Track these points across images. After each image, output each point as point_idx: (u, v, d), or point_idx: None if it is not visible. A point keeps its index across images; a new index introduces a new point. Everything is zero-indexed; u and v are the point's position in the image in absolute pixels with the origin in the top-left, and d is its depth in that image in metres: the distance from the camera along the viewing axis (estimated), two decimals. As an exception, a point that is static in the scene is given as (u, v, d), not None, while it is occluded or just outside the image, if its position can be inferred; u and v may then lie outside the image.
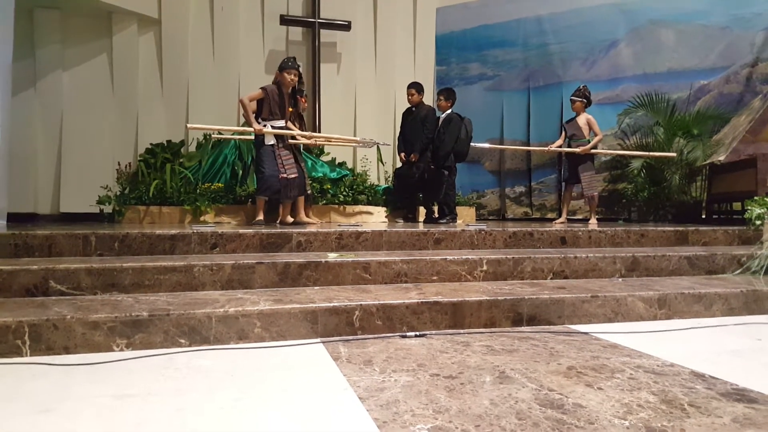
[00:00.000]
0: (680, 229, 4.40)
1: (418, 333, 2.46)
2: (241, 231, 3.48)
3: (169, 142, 6.80)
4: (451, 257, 3.24)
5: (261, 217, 4.97)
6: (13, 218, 6.42)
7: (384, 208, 6.77)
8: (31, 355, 2.10)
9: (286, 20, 7.28)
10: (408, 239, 3.79)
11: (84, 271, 2.66)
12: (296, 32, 7.58)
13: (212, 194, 6.12)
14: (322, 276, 3.01)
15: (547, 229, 4.10)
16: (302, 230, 3.60)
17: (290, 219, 5.10)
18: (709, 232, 4.44)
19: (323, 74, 7.58)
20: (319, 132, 7.08)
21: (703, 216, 6.06)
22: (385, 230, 3.75)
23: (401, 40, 8.09)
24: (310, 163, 6.77)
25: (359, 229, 3.71)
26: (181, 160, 6.54)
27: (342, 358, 2.10)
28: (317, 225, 5.47)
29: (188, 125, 4.71)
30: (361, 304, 2.45)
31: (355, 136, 7.63)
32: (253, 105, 4.87)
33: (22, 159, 6.68)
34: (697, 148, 6.13)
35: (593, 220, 6.16)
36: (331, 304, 2.42)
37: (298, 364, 2.05)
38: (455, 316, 2.58)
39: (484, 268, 3.28)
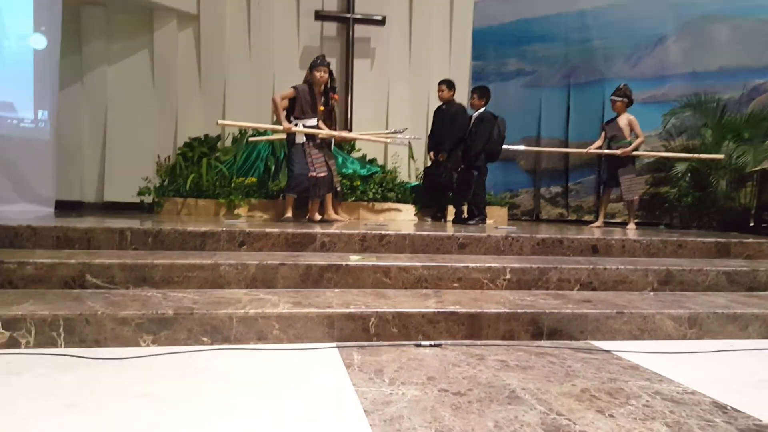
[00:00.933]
0: (722, 240, 4.19)
1: (432, 343, 2.43)
2: (267, 230, 3.52)
3: (206, 136, 6.96)
4: (473, 264, 3.19)
5: (290, 214, 5.02)
6: (61, 206, 6.72)
7: (413, 206, 6.74)
8: (65, 347, 2.21)
9: (320, 16, 7.29)
10: (432, 243, 3.76)
11: (118, 267, 2.76)
12: (331, 28, 7.58)
13: (246, 188, 6.24)
14: (343, 279, 3.02)
15: (578, 236, 3.98)
16: (326, 231, 3.62)
17: (318, 216, 5.14)
18: (754, 245, 4.21)
19: (356, 69, 7.56)
20: (350, 127, 7.07)
21: (751, 224, 5.76)
22: (409, 233, 3.73)
23: (437, 35, 7.97)
24: (341, 159, 6.80)
25: (383, 231, 3.69)
26: (217, 154, 6.68)
27: (354, 365, 2.11)
28: (345, 222, 5.49)
29: (219, 121, 4.79)
30: (377, 311, 2.44)
31: (387, 131, 7.59)
32: (285, 103, 4.91)
33: (70, 150, 6.97)
34: (747, 153, 5.81)
35: (632, 225, 5.95)
36: (348, 310, 2.42)
37: (311, 370, 2.06)
38: (472, 327, 2.54)
39: (508, 276, 3.21)
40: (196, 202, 6.13)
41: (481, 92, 5.71)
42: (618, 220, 7.08)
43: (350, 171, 6.71)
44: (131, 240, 3.26)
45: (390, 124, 7.89)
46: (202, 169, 6.11)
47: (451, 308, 2.56)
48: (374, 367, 2.10)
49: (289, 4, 7.54)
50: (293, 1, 7.55)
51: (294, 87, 4.89)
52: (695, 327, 2.76)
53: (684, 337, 2.75)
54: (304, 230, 3.58)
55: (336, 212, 6.16)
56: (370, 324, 2.42)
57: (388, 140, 6.29)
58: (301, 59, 7.50)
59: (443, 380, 1.97)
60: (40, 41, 5.61)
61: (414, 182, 7.07)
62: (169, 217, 5.62)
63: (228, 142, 7.14)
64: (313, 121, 5.01)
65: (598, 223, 6.15)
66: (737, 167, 5.91)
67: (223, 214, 6.15)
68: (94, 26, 7.06)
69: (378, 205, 6.65)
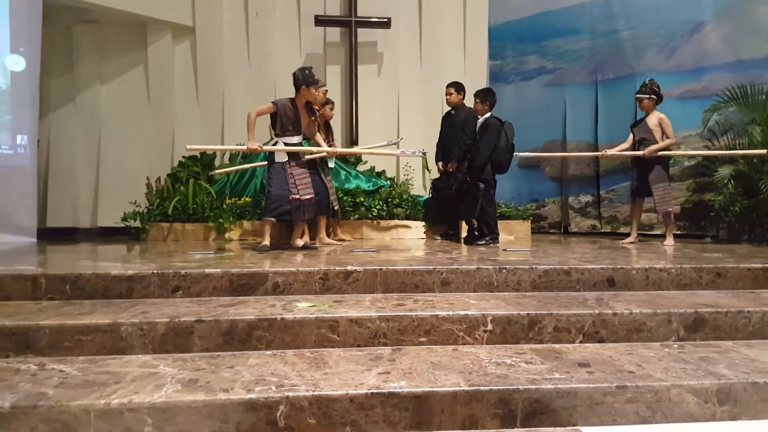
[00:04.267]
0: (773, 265, 3.40)
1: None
2: (208, 271, 3.03)
3: (202, 154, 6.59)
4: (444, 313, 2.59)
5: (266, 241, 4.51)
6: (53, 233, 6.51)
7: (423, 223, 6.15)
8: None
9: (321, 21, 6.80)
10: (409, 279, 3.17)
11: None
12: (334, 33, 7.09)
13: (238, 210, 5.83)
14: (278, 336, 2.48)
15: (591, 266, 3.30)
16: (281, 269, 3.08)
17: (300, 242, 4.63)
18: (815, 269, 3.40)
19: (363, 76, 7.03)
20: (357, 139, 6.54)
21: (816, 236, 4.86)
22: (381, 269, 3.15)
23: (449, 35, 7.33)
24: (344, 174, 6.29)
25: (349, 267, 3.13)
26: (211, 173, 6.30)
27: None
28: (339, 246, 4.97)
29: (187, 147, 4.35)
30: (288, 396, 1.88)
31: (408, 148, 7.03)
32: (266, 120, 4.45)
33: (63, 173, 6.77)
34: (805, 152, 4.91)
35: (669, 240, 5.16)
36: (249, 396, 1.87)
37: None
38: (420, 413, 1.94)
39: (489, 327, 2.59)
40: (183, 227, 5.76)
41: (484, 96, 5.06)
42: (657, 232, 6.25)
43: (353, 186, 6.20)
44: (46, 288, 2.84)
45: (402, 132, 7.32)
46: (189, 191, 5.72)
47: (392, 387, 1.97)
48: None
49: (289, 11, 7.10)
50: (293, 8, 7.11)
51: (273, 102, 4.41)
52: (727, 403, 2.06)
53: (712, 418, 2.06)
54: (254, 269, 3.07)
55: (335, 234, 5.67)
56: (279, 415, 1.86)
57: (384, 153, 5.75)
58: (303, 68, 7.03)
59: None
60: (18, 63, 5.38)
61: (427, 196, 6.47)
62: (154, 244, 5.26)
63: (227, 160, 6.76)
64: (296, 139, 4.50)
65: (630, 239, 5.37)
66: (794, 170, 5.01)
67: (213, 238, 5.76)
68: (87, 45, 6.84)
69: (384, 223, 6.11)
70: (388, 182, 6.61)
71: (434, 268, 3.19)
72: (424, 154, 5.59)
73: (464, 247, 4.80)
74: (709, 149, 5.91)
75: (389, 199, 6.13)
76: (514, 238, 6.11)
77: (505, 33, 7.35)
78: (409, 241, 5.77)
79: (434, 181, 6.03)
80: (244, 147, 4.33)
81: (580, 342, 2.61)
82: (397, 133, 7.27)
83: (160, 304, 2.80)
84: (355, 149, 5.53)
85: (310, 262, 3.46)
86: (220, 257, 3.88)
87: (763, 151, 4.95)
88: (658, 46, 6.28)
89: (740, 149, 5.61)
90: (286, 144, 4.43)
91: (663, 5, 6.19)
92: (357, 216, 6.01)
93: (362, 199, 6.04)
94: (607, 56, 6.64)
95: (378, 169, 6.88)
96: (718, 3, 5.93)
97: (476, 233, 5.14)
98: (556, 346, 2.57)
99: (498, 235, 5.17)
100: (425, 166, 7.06)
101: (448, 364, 2.26)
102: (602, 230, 6.92)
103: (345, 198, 5.96)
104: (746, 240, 5.56)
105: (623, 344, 2.60)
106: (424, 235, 6.11)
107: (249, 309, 2.65)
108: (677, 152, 5.15)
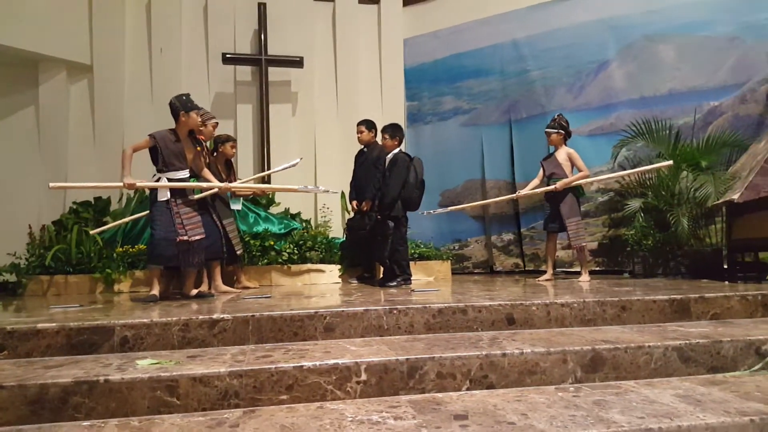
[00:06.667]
0: (678, 296, 3.25)
1: None
2: (40, 326, 2.54)
3: (97, 199, 6.04)
4: (310, 364, 2.22)
5: (155, 291, 4.04)
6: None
7: (338, 266, 5.80)
8: None
9: (229, 59, 6.54)
10: (287, 326, 2.79)
11: None
12: (245, 71, 6.83)
13: (130, 258, 5.29)
14: (101, 403, 2.03)
15: (489, 303, 3.03)
16: (131, 321, 2.64)
17: (194, 291, 4.17)
18: (720, 300, 3.28)
19: (275, 116, 6.76)
20: (269, 181, 6.18)
21: (725, 267, 4.84)
22: (253, 316, 2.76)
23: (366, 76, 7.24)
24: (252, 217, 5.90)
25: (215, 316, 2.72)
26: (105, 219, 5.76)
27: None
28: (240, 294, 4.51)
29: (51, 185, 3.87)
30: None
31: (315, 184, 6.72)
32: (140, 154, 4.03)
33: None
34: (707, 184, 4.96)
35: (585, 276, 5.04)
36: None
37: None
38: (242, 494, 1.54)
39: (363, 377, 2.23)
40: (65, 279, 5.15)
41: (393, 131, 4.89)
42: (577, 269, 6.14)
43: (262, 229, 5.80)
44: None
45: (319, 174, 7.05)
46: (72, 239, 5.16)
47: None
48: None
49: (196, 48, 6.81)
50: (201, 45, 6.83)
51: (151, 135, 4.02)
52: (619, 456, 1.78)
53: (601, 476, 1.76)
54: (97, 323, 2.60)
55: (238, 281, 5.22)
56: None
57: (284, 189, 5.44)
58: (213, 106, 6.69)
59: None
60: None
61: (343, 238, 6.15)
62: (31, 301, 4.62)
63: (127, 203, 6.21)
64: (181, 174, 4.10)
65: (546, 277, 5.21)
66: (698, 201, 5.04)
67: (100, 291, 5.17)
68: (-30, 83, 6.27)
69: (295, 268, 5.72)
70: (303, 224, 6.27)
71: (316, 312, 2.83)
72: (329, 192, 5.28)
73: (372, 289, 4.47)
74: (621, 184, 5.94)
75: (301, 242, 5.77)
76: (433, 279, 5.85)
77: (421, 74, 7.34)
78: (322, 286, 5.39)
79: (349, 221, 5.75)
80: (120, 184, 3.89)
81: (467, 389, 2.29)
82: (315, 176, 6.98)
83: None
84: (248, 184, 5.16)
85: (175, 312, 3.02)
86: (85, 311, 3.37)
87: (670, 162, 4.98)
88: (567, 85, 6.39)
89: (651, 184, 5.65)
90: (170, 180, 4.03)
91: (569, 45, 6.34)
92: (266, 261, 5.60)
93: (272, 243, 5.65)
94: (519, 96, 6.70)
95: (293, 211, 6.53)
96: (620, 42, 6.12)
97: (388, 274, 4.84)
98: (439, 395, 2.23)
99: (410, 275, 4.89)
100: (345, 207, 6.79)
101: (302, 427, 1.87)
102: (526, 268, 6.80)
103: (253, 242, 5.56)
104: (661, 274, 5.52)
105: (514, 389, 2.30)
106: (339, 279, 5.75)
107: (75, 370, 2.19)
108: (589, 179, 5.10)
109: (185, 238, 4.02)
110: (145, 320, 2.65)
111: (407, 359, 2.29)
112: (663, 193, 5.43)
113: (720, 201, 4.72)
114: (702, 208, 5.17)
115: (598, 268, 6.18)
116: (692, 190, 5.05)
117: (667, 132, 5.63)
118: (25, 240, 5.60)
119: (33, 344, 2.51)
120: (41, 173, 6.30)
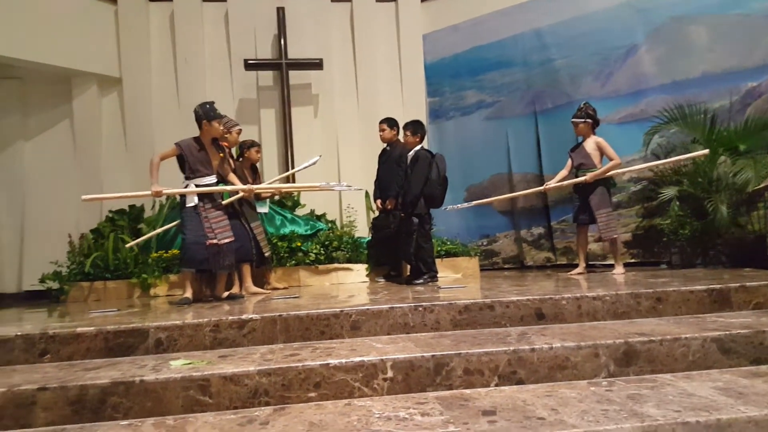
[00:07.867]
0: (717, 286, 3.14)
1: None
2: (79, 330, 2.63)
3: (132, 207, 6.21)
4: (336, 361, 2.23)
5: (188, 294, 4.14)
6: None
7: (365, 265, 5.81)
8: None
9: (250, 65, 6.62)
10: (314, 325, 2.81)
11: None
12: (267, 76, 6.90)
13: (164, 263, 5.42)
14: (138, 403, 2.09)
15: (517, 298, 2.99)
16: (164, 324, 2.70)
17: (225, 293, 4.26)
18: (763, 289, 3.16)
19: (298, 119, 6.81)
20: (294, 182, 6.24)
21: (768, 254, 4.66)
22: (280, 316, 2.79)
23: (385, 74, 7.22)
24: (279, 219, 5.96)
25: (244, 316, 2.77)
26: (139, 226, 5.91)
27: None
28: (270, 295, 4.58)
29: (83, 197, 4.02)
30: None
31: (339, 183, 6.74)
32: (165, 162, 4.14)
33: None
34: (747, 168, 4.77)
35: (619, 269, 4.91)
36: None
37: None
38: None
39: (389, 374, 2.23)
40: (104, 285, 5.32)
41: (414, 128, 4.86)
42: (610, 261, 5.99)
43: (289, 231, 5.86)
44: None
45: (342, 174, 7.06)
46: (109, 246, 5.32)
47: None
48: None
49: (219, 57, 6.93)
50: (224, 53, 6.94)
51: (177, 144, 4.13)
52: (654, 451, 1.73)
53: (637, 471, 1.71)
54: (133, 326, 2.68)
55: (268, 282, 5.29)
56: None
57: (307, 188, 5.51)
58: (237, 112, 6.81)
59: None
60: None
61: (369, 237, 6.16)
62: (73, 306, 4.79)
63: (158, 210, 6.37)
64: (208, 180, 4.20)
65: (578, 270, 5.10)
66: (738, 187, 4.85)
67: (138, 296, 5.32)
68: (10, 101, 6.52)
69: (323, 268, 5.76)
70: (328, 225, 6.30)
71: (341, 311, 2.84)
72: (356, 189, 5.28)
73: (398, 288, 4.46)
74: (654, 173, 5.76)
75: (327, 243, 5.80)
76: (461, 275, 5.79)
77: (441, 69, 7.27)
78: (350, 285, 5.41)
79: (374, 220, 5.75)
80: (148, 192, 4.00)
81: (495, 385, 2.27)
82: (338, 176, 6.99)
83: (21, 371, 2.39)
84: (274, 185, 5.25)
85: (207, 313, 3.08)
86: (122, 314, 3.47)
87: (706, 151, 4.81)
88: (594, 73, 6.24)
89: (686, 170, 5.46)
90: (198, 186, 4.12)
91: (593, 31, 6.17)
92: (294, 262, 5.65)
93: (299, 244, 5.70)
94: (544, 86, 6.57)
95: (318, 212, 6.57)
96: (648, 25, 5.93)
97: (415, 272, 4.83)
98: (467, 391, 2.22)
99: (436, 272, 4.86)
100: (369, 207, 6.79)
101: (330, 424, 1.89)
102: (558, 262, 6.67)
103: (280, 244, 5.62)
104: (700, 264, 5.34)
105: (544, 385, 2.26)
106: (366, 278, 5.76)
107: (112, 372, 2.26)
108: (620, 169, 4.97)
109: (215, 241, 4.10)
110: (177, 322, 2.71)
111: (433, 356, 2.28)
112: (700, 180, 5.23)
113: (761, 185, 4.53)
114: (742, 193, 4.97)
115: (633, 260, 6.01)
116: (731, 175, 4.86)
117: (702, 116, 5.43)
118: (65, 248, 5.80)
119: (74, 347, 2.60)
120: (78, 183, 6.53)
